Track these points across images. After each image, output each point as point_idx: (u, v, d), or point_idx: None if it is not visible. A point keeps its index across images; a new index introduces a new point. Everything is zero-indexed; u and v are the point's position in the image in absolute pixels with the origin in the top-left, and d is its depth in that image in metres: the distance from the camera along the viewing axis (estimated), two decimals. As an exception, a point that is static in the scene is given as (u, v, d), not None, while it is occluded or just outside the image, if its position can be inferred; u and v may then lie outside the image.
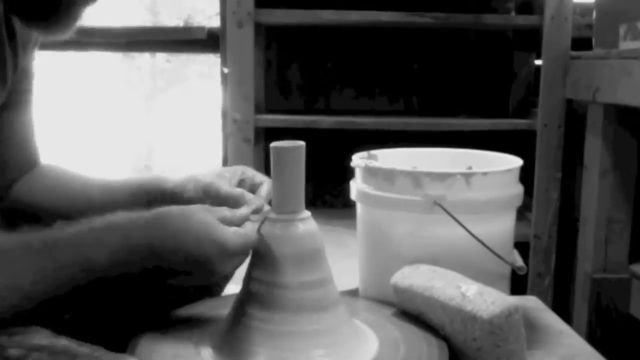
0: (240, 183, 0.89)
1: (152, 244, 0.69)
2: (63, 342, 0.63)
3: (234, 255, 0.72)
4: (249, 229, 0.74)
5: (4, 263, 0.65)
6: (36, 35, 0.91)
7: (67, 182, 0.97)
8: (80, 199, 0.94)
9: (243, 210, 0.77)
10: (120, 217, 0.71)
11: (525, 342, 0.77)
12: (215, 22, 2.10)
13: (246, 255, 0.75)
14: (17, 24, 0.84)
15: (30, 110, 0.96)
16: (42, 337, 0.63)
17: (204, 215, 0.71)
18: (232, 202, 0.81)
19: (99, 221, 0.70)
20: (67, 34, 0.78)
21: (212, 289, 0.92)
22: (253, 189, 0.88)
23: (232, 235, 0.71)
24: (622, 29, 1.47)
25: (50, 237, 0.68)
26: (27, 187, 0.95)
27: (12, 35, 0.84)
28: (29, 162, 0.97)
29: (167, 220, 0.70)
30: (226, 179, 0.87)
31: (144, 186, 0.91)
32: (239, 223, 0.74)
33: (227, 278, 0.93)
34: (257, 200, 0.82)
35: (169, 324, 0.80)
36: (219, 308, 0.83)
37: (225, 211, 0.74)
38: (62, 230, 0.69)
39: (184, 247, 0.69)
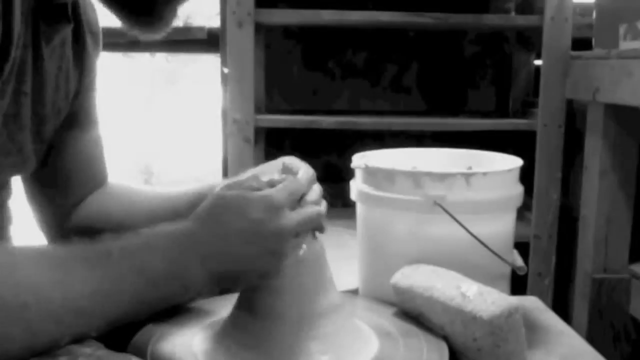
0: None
1: (198, 241, 0.66)
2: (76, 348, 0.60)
3: (282, 205, 0.66)
4: (289, 180, 0.70)
5: (60, 279, 0.59)
6: (99, 41, 0.91)
7: (132, 198, 0.96)
8: (144, 212, 0.92)
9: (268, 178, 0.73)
10: (169, 224, 0.67)
11: (526, 343, 0.77)
12: (215, 22, 2.10)
13: (308, 207, 0.70)
14: (89, 38, 0.84)
15: (97, 127, 0.96)
16: None
17: (233, 192, 0.68)
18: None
19: (152, 230, 0.67)
20: (164, 32, 0.76)
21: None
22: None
23: (271, 190, 0.67)
24: (622, 29, 1.47)
25: (103, 249, 0.63)
26: (94, 205, 0.95)
27: (81, 49, 0.84)
28: (94, 181, 0.96)
29: (206, 216, 0.67)
30: (270, 175, 0.81)
31: (201, 193, 0.87)
32: (268, 186, 0.70)
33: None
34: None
35: (171, 322, 0.80)
36: (220, 308, 0.83)
37: (252, 181, 0.71)
38: (114, 242, 0.64)
39: (232, 229, 0.65)
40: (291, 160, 0.82)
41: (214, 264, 0.66)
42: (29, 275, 0.58)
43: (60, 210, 0.94)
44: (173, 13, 0.74)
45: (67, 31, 0.80)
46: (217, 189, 0.74)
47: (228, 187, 0.70)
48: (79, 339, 0.60)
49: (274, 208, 0.66)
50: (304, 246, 0.72)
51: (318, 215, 0.72)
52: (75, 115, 0.90)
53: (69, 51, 0.83)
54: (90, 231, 0.87)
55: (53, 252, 0.63)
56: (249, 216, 0.65)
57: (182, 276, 0.65)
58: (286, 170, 0.80)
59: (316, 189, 0.76)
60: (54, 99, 0.83)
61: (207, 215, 0.67)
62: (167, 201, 0.93)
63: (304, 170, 0.76)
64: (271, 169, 0.83)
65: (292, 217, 0.68)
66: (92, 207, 0.95)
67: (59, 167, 0.91)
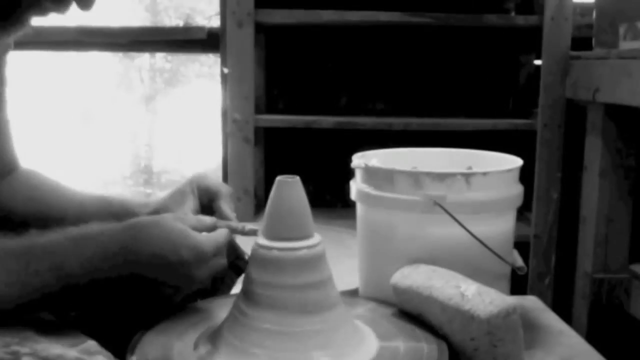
0: (201, 197, 0.90)
1: (127, 250, 0.71)
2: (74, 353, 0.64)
3: (209, 257, 0.75)
4: (219, 233, 0.78)
5: None
6: (8, 41, 0.91)
7: (45, 192, 0.97)
8: (55, 210, 0.94)
9: (209, 220, 0.81)
10: (94, 226, 0.73)
11: (523, 343, 0.77)
12: (215, 22, 2.10)
13: (221, 260, 0.78)
14: None
15: (6, 114, 0.96)
16: (55, 347, 0.64)
17: (176, 223, 0.74)
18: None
19: (74, 230, 0.72)
20: (12, 38, 0.79)
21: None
22: (211, 197, 0.90)
23: (205, 238, 0.75)
24: (622, 29, 1.47)
25: (25, 244, 0.69)
26: (5, 191, 0.95)
27: None
28: (7, 166, 0.97)
29: (141, 228, 0.73)
30: (189, 203, 0.89)
31: (112, 203, 0.93)
32: (207, 230, 0.78)
33: (217, 286, 0.93)
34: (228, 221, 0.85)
35: (171, 322, 0.80)
36: (220, 307, 0.83)
37: (193, 220, 0.78)
38: (38, 237, 0.70)
39: (160, 252, 0.72)
40: (204, 185, 0.90)
41: (127, 270, 0.71)
42: None
43: None
44: (25, 22, 0.76)
45: None
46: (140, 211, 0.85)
47: (175, 216, 0.77)
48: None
49: (201, 256, 0.74)
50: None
51: (223, 269, 0.80)
52: None
53: None
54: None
55: None
56: (179, 254, 0.72)
57: (97, 277, 0.70)
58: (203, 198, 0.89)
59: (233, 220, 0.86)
60: None
61: (145, 231, 0.72)
62: (80, 205, 0.95)
63: (225, 202, 0.88)
64: (184, 198, 0.90)
65: (204, 272, 0.75)
66: (2, 193, 0.95)
67: None
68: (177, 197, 0.90)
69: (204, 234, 0.76)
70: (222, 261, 0.78)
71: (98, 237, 0.71)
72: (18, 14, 0.74)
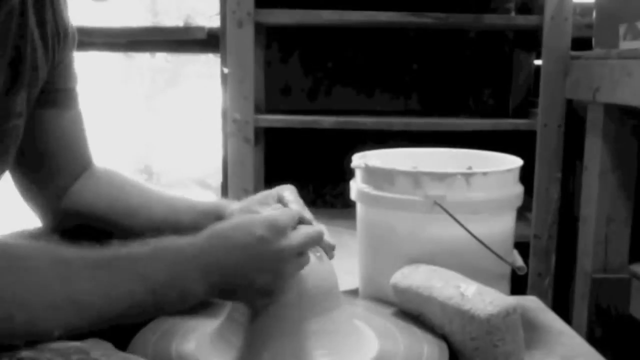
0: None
1: (203, 251, 0.69)
2: (75, 344, 0.62)
3: (286, 228, 0.71)
4: (291, 209, 0.78)
5: (62, 273, 0.63)
6: (73, 32, 0.91)
7: (128, 193, 0.95)
8: (142, 214, 0.92)
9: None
10: (177, 238, 0.70)
11: (523, 343, 0.77)
12: (215, 22, 2.10)
13: (302, 230, 0.74)
14: (49, 15, 0.84)
15: (79, 110, 0.95)
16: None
17: (244, 215, 0.75)
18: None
19: (160, 241, 0.69)
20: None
21: None
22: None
23: (277, 212, 0.74)
24: (622, 29, 1.47)
25: (109, 253, 0.66)
26: (85, 193, 0.94)
27: (42, 23, 0.83)
28: (79, 162, 0.95)
29: (221, 232, 0.70)
30: (267, 207, 0.87)
31: (207, 213, 0.90)
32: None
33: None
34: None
35: (172, 322, 0.81)
36: (220, 308, 0.83)
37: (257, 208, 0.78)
38: (122, 248, 0.68)
39: (236, 243, 0.69)
40: (283, 191, 0.88)
41: (215, 276, 0.68)
42: (35, 267, 0.61)
43: (49, 195, 0.93)
44: None
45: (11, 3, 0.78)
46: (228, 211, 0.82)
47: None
48: (73, 334, 0.63)
49: (277, 228, 0.70)
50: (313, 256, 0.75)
51: (319, 234, 0.76)
52: (53, 95, 0.89)
53: (27, 25, 0.82)
54: (81, 217, 0.90)
55: (60, 251, 0.65)
56: (254, 233, 0.69)
57: (182, 286, 0.67)
58: (280, 200, 0.87)
59: (310, 215, 0.81)
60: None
61: (214, 232, 0.70)
62: (171, 212, 0.93)
63: (295, 199, 0.85)
64: (267, 198, 0.88)
65: (293, 237, 0.72)
66: (82, 194, 0.94)
67: (41, 149, 0.90)
68: (262, 199, 0.88)
69: (276, 210, 0.75)
70: (304, 230, 0.74)
71: (182, 245, 0.69)
72: None
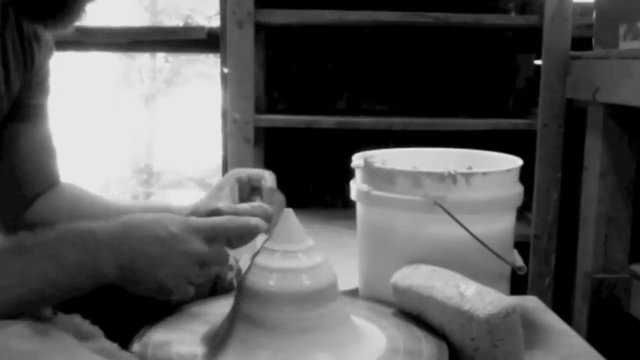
0: (241, 190, 0.89)
1: (115, 236, 0.71)
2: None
3: (202, 234, 0.73)
4: (219, 217, 0.77)
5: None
6: (50, 44, 0.91)
7: (88, 204, 0.97)
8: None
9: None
10: (94, 222, 0.73)
11: (523, 343, 0.77)
12: (215, 22, 2.10)
13: (219, 247, 0.76)
14: (25, 24, 0.84)
15: (48, 126, 0.96)
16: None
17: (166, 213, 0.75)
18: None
19: (71, 225, 0.72)
20: (70, 30, 0.78)
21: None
22: (256, 184, 0.90)
23: (198, 218, 0.75)
24: (622, 29, 1.47)
25: (21, 239, 0.69)
26: (48, 207, 0.95)
27: (20, 33, 0.84)
28: (48, 180, 0.97)
29: (137, 222, 0.73)
30: (225, 197, 0.88)
31: (155, 209, 0.92)
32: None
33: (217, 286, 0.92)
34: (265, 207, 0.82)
35: (173, 321, 0.81)
36: (221, 307, 0.83)
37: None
38: (33, 234, 0.71)
39: (149, 232, 0.72)
40: (245, 176, 0.89)
41: (125, 259, 0.71)
42: None
43: (11, 206, 0.94)
44: (80, 11, 0.76)
45: None
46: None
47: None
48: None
49: (192, 230, 0.73)
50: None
51: (225, 256, 0.77)
52: (25, 109, 0.90)
53: (4, 41, 0.82)
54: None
55: None
56: (168, 230, 0.72)
57: (92, 265, 0.70)
58: (243, 191, 0.89)
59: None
60: None
61: (130, 220, 0.73)
62: (115, 214, 0.94)
63: (269, 180, 0.87)
64: (227, 192, 0.89)
65: (202, 247, 0.74)
66: (44, 207, 0.95)
67: (9, 161, 0.91)
68: (214, 193, 0.89)
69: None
70: (219, 248, 0.76)
71: (94, 228, 0.71)
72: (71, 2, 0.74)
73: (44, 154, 0.96)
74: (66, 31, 0.78)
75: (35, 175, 0.94)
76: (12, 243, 0.69)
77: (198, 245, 0.73)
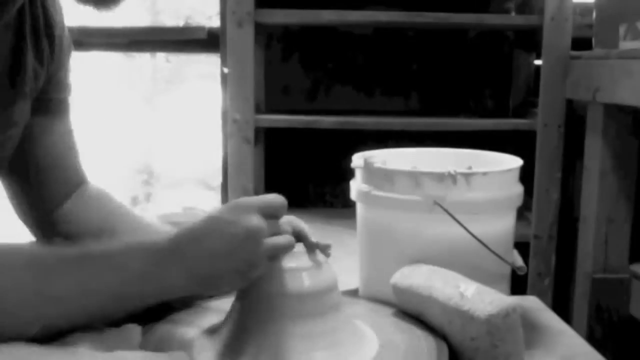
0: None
1: (179, 241, 0.69)
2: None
3: (261, 235, 0.70)
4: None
5: (36, 270, 0.65)
6: (68, 42, 0.91)
7: (117, 214, 0.95)
8: (127, 233, 0.92)
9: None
10: (157, 234, 0.72)
11: (524, 343, 0.77)
12: (215, 22, 2.10)
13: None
14: (44, 25, 0.84)
15: (70, 123, 0.95)
16: None
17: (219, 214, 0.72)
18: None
19: (135, 237, 0.72)
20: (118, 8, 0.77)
21: None
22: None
23: (254, 217, 0.70)
24: (622, 29, 1.47)
25: (84, 250, 0.68)
26: (76, 213, 0.94)
27: (37, 34, 0.84)
28: (74, 180, 0.95)
29: (194, 228, 0.70)
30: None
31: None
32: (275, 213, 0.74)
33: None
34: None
35: (175, 317, 0.81)
36: (220, 306, 0.83)
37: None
38: (96, 245, 0.69)
39: (212, 228, 0.69)
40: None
41: (190, 262, 0.69)
42: (9, 266, 0.63)
43: (39, 208, 0.93)
44: None
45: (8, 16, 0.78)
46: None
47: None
48: (55, 331, 0.65)
49: (252, 236, 0.69)
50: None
51: (290, 244, 0.74)
52: (45, 103, 0.89)
53: (24, 36, 0.82)
54: (70, 236, 0.90)
55: (34, 250, 0.68)
56: (230, 237, 0.69)
57: (159, 276, 0.68)
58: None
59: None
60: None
61: (192, 230, 0.70)
62: (145, 226, 0.94)
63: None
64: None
65: (265, 247, 0.71)
66: (74, 212, 0.94)
67: (31, 156, 0.90)
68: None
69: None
70: (285, 238, 0.73)
71: (155, 238, 0.70)
72: None
73: (67, 149, 0.94)
74: (113, 10, 0.77)
75: (59, 171, 0.93)
76: (75, 252, 0.68)
77: (260, 248, 0.70)
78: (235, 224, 0.69)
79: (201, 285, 0.71)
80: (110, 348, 0.67)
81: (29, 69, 0.82)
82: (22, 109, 0.83)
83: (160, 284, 0.68)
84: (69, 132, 0.95)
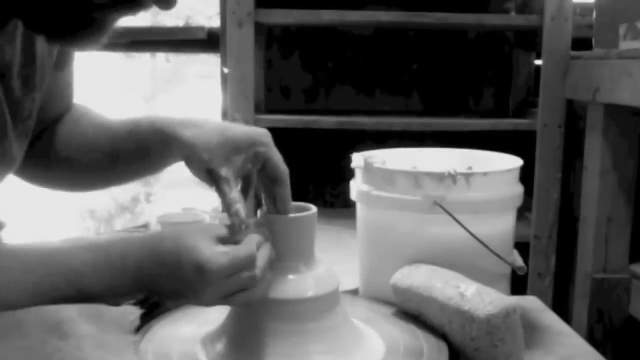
0: (254, 159, 0.84)
1: (142, 266, 0.69)
2: None
3: (216, 277, 0.67)
4: (243, 249, 0.68)
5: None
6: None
7: (90, 134, 0.93)
8: (102, 150, 0.91)
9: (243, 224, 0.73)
10: (126, 248, 0.71)
11: (523, 343, 0.77)
12: (215, 22, 2.10)
13: (238, 279, 0.68)
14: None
15: (72, 65, 0.94)
16: None
17: (193, 238, 0.69)
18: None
19: (90, 240, 0.72)
20: (97, 47, 0.75)
21: None
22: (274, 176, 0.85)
23: (216, 255, 0.67)
24: (622, 29, 1.47)
25: (47, 256, 0.69)
26: (63, 139, 0.93)
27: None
28: (64, 109, 0.95)
29: (159, 244, 0.70)
30: (230, 162, 0.81)
31: (141, 125, 0.88)
32: (236, 240, 0.71)
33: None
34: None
35: (176, 316, 0.81)
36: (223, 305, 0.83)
37: (223, 230, 0.72)
38: (59, 250, 0.70)
39: (168, 273, 0.69)
40: (264, 153, 0.85)
41: (148, 288, 0.71)
42: None
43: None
44: (108, 28, 0.72)
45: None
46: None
47: (201, 228, 0.73)
48: None
49: (205, 277, 0.67)
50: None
51: (250, 281, 0.70)
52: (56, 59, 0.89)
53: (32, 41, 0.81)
54: (55, 156, 0.90)
55: None
56: (185, 271, 0.67)
57: (115, 292, 0.70)
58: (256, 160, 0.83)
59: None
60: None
61: (164, 249, 0.70)
62: (108, 131, 0.91)
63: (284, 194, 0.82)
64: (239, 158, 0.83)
65: (211, 293, 0.68)
66: (60, 133, 0.93)
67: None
68: (229, 148, 0.81)
69: (223, 248, 0.68)
70: (239, 281, 0.68)
71: (116, 259, 0.70)
72: (99, 21, 0.70)
73: (62, 91, 0.93)
74: (92, 49, 0.75)
75: (53, 109, 0.92)
76: (37, 261, 0.68)
77: (213, 293, 0.68)
78: (206, 283, 0.67)
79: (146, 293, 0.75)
80: (105, 327, 0.68)
81: (37, 62, 0.81)
82: (34, 100, 0.83)
83: (115, 298, 0.71)
84: (70, 73, 0.94)
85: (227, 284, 0.68)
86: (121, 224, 2.87)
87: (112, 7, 0.67)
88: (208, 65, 2.49)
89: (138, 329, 0.77)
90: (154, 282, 0.70)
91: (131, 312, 0.73)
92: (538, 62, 1.93)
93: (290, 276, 0.75)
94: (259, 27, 1.77)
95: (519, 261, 0.94)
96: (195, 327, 0.80)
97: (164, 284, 0.69)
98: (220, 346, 0.74)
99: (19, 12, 0.67)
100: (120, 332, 0.69)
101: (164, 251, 0.69)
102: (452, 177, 0.88)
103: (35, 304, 0.66)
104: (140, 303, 0.78)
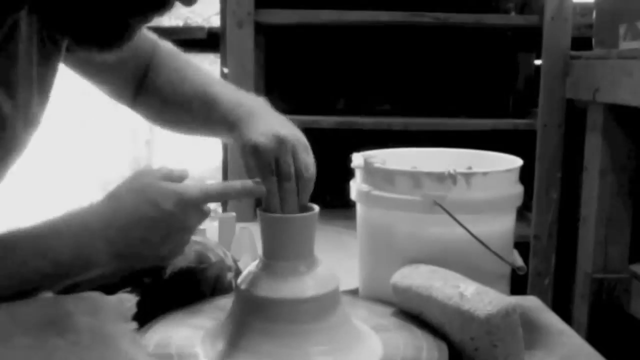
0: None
1: (110, 225, 0.70)
2: None
3: (193, 203, 0.72)
4: (209, 184, 0.75)
5: None
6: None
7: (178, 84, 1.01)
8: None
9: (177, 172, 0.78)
10: (87, 209, 0.72)
11: (523, 343, 0.77)
12: (215, 22, 2.10)
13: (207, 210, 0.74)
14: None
15: None
16: None
17: (146, 178, 0.73)
18: None
19: (66, 216, 0.71)
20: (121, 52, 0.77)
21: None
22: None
23: (188, 186, 0.72)
24: (622, 29, 1.47)
25: (15, 236, 0.69)
26: (160, 76, 1.00)
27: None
28: (149, 49, 1.00)
29: (120, 199, 0.71)
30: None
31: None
32: (179, 181, 0.75)
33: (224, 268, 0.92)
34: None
35: (176, 315, 0.81)
36: (224, 305, 0.83)
37: (164, 171, 0.76)
38: (28, 228, 0.70)
39: (143, 216, 0.70)
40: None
41: (121, 246, 0.70)
42: None
43: (124, 76, 0.98)
44: (132, 36, 0.72)
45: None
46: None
47: (143, 172, 0.76)
48: None
49: (184, 204, 0.71)
50: None
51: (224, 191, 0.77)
52: None
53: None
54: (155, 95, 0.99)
55: None
56: (161, 207, 0.70)
57: (87, 257, 0.70)
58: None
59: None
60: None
61: (121, 203, 0.71)
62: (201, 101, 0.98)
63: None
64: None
65: (198, 219, 0.73)
66: (160, 79, 1.00)
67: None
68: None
69: (187, 182, 0.74)
70: (204, 214, 0.74)
71: (81, 216, 0.71)
72: (122, 26, 0.70)
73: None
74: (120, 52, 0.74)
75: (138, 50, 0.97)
76: (6, 238, 0.68)
77: (194, 221, 0.73)
78: (175, 220, 0.71)
79: (124, 263, 0.73)
80: (103, 317, 0.68)
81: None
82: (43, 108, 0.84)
83: (88, 264, 0.70)
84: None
85: (203, 214, 0.73)
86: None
87: (142, 13, 0.70)
88: (208, 65, 2.49)
89: (135, 317, 0.77)
90: (126, 237, 0.70)
91: (128, 300, 0.73)
92: (538, 62, 1.93)
93: (290, 276, 0.75)
94: (259, 27, 1.77)
95: (518, 261, 0.94)
96: (194, 327, 0.79)
97: (134, 235, 0.70)
98: (219, 346, 0.74)
99: (55, 18, 0.68)
100: (118, 321, 0.69)
101: (133, 202, 0.71)
102: (452, 177, 0.88)
103: (11, 286, 0.66)
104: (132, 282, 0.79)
